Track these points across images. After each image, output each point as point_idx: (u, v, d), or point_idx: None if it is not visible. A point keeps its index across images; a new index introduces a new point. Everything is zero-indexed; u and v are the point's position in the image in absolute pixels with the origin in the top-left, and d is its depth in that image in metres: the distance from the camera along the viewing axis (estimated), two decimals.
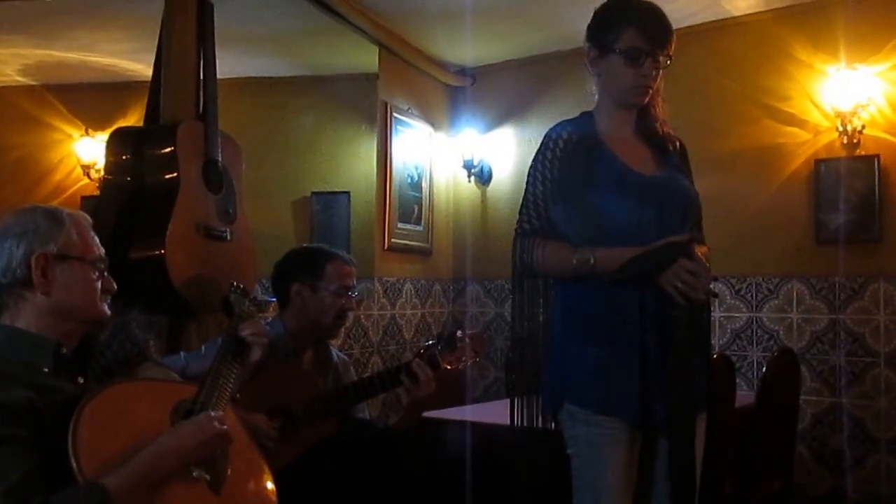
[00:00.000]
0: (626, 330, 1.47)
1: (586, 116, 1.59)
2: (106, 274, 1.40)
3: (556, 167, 1.51)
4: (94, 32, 2.57)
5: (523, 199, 1.56)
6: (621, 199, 1.48)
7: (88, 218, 1.42)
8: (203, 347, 1.90)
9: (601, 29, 1.55)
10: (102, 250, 1.41)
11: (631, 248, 1.45)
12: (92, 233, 1.40)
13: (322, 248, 2.13)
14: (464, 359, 1.98)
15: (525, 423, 1.55)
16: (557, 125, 1.57)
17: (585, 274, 1.47)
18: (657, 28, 1.52)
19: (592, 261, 1.46)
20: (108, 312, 1.41)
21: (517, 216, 1.57)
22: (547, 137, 1.55)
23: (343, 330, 2.14)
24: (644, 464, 1.51)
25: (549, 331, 1.55)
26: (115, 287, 1.42)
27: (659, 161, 1.58)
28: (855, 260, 2.95)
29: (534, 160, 1.55)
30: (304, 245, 2.23)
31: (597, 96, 1.60)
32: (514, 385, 1.60)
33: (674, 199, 1.53)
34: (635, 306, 1.47)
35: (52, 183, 2.71)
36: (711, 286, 1.45)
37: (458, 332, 2.02)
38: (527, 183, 1.56)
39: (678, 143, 1.62)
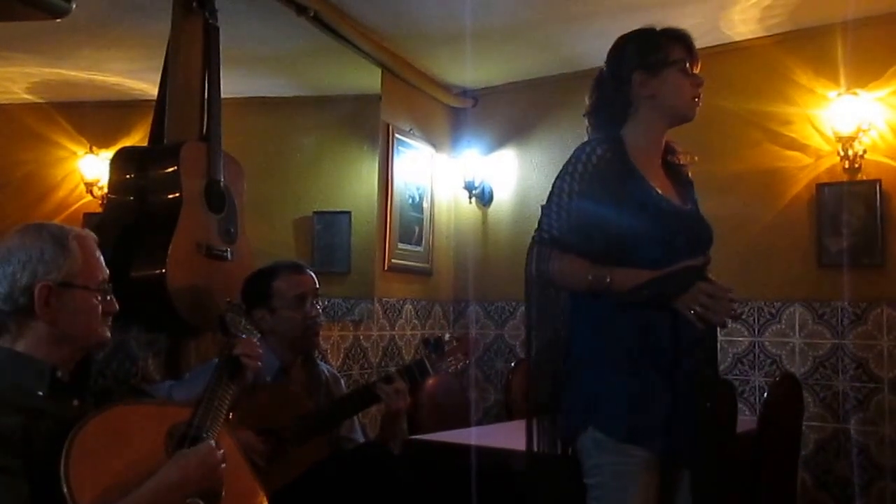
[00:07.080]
0: (658, 356, 1.45)
1: (616, 137, 1.57)
2: (109, 297, 1.39)
3: (585, 181, 1.49)
4: (101, 52, 2.59)
5: (546, 208, 1.53)
6: (652, 224, 1.47)
7: (94, 237, 1.41)
8: (187, 375, 1.87)
9: (648, 50, 1.58)
10: (106, 272, 1.40)
11: (647, 270, 1.44)
12: (98, 254, 1.39)
13: (270, 267, 2.04)
14: (453, 362, 1.96)
15: (544, 447, 1.50)
16: (591, 141, 1.57)
17: (600, 292, 1.45)
18: (692, 45, 1.61)
19: (608, 280, 1.43)
20: (109, 335, 1.40)
21: (538, 224, 1.53)
22: (580, 151, 1.53)
23: (319, 338, 2.07)
24: (664, 496, 1.47)
25: (571, 349, 1.51)
26: (117, 308, 1.41)
27: (681, 193, 1.60)
28: (858, 284, 2.94)
29: (563, 171, 1.53)
30: (255, 270, 2.09)
31: (629, 120, 1.60)
32: (531, 404, 1.54)
33: (702, 232, 1.56)
34: (669, 332, 1.44)
35: (56, 199, 2.72)
36: (734, 308, 1.41)
37: (446, 336, 2.00)
38: (551, 193, 1.53)
39: (689, 176, 1.65)
